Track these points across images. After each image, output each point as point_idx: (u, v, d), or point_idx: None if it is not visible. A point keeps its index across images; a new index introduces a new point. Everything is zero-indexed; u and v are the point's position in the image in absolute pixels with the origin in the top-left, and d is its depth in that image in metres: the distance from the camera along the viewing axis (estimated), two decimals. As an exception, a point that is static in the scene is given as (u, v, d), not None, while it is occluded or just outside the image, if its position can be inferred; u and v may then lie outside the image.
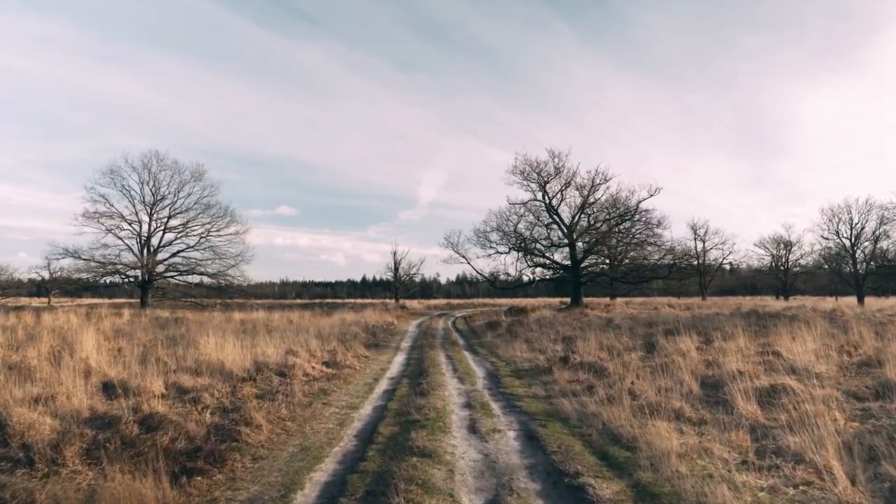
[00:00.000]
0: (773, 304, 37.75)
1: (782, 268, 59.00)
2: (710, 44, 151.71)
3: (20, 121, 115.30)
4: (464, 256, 35.83)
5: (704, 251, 55.38)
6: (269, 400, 6.49)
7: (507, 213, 34.85)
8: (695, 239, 54.37)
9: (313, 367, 9.72)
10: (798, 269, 58.18)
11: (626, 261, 35.82)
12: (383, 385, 8.58)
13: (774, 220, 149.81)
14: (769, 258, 59.69)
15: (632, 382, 8.25)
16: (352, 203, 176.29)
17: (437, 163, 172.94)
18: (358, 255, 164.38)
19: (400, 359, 12.09)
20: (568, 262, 34.65)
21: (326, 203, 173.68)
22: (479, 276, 37.17)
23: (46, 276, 45.58)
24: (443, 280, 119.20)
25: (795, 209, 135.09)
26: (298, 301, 68.01)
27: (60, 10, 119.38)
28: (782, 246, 59.04)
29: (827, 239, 47.90)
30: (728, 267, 53.35)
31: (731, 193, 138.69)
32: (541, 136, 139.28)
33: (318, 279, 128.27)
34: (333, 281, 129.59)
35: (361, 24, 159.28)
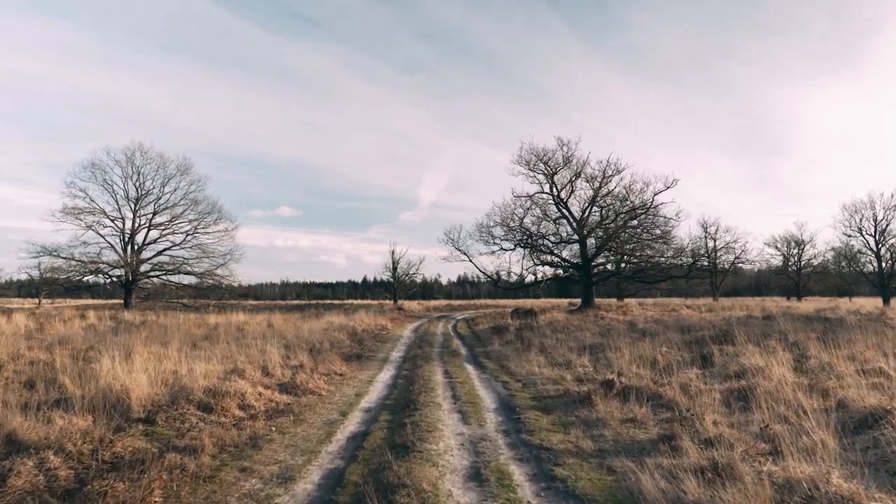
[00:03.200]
0: (798, 305, 34.97)
1: (794, 267, 56.37)
2: (710, 46, 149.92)
3: (24, 123, 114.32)
4: (465, 253, 33.03)
5: (715, 250, 52.57)
6: (137, 471, 3.80)
7: (513, 205, 32.09)
8: (705, 237, 51.57)
9: (259, 395, 7.05)
10: (810, 269, 55.58)
11: (634, 260, 32.98)
12: (351, 425, 5.90)
13: (774, 222, 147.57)
14: (780, 258, 57.18)
15: (714, 422, 5.60)
16: (353, 204, 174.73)
17: (439, 164, 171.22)
18: (359, 257, 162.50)
19: (385, 377, 9.42)
20: (577, 260, 31.93)
21: (327, 204, 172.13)
22: (481, 274, 34.35)
23: (37, 276, 43.23)
24: (444, 281, 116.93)
25: (796, 210, 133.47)
26: (295, 302, 65.37)
27: (66, 14, 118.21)
28: (793, 245, 56.47)
29: (849, 236, 45.17)
30: (731, 267, 50.23)
31: (732, 195, 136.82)
32: (542, 138, 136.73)
33: (318, 280, 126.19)
34: (334, 282, 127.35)
35: (365, 27, 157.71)
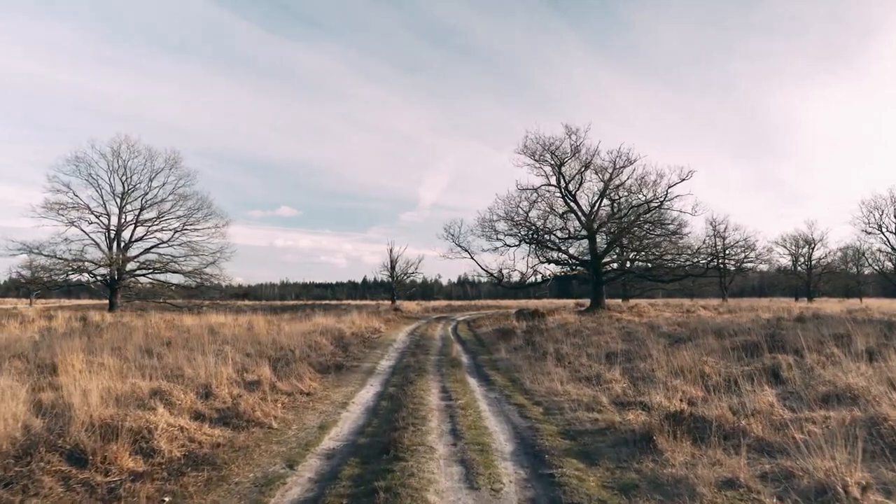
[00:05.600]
0: (820, 306, 32.81)
1: (803, 267, 54.33)
2: (711, 48, 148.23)
3: (24, 123, 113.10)
4: (466, 250, 30.70)
5: (724, 248, 50.40)
6: None
7: (517, 198, 29.87)
8: (714, 236, 49.42)
9: (180, 430, 4.99)
10: (819, 269, 53.56)
11: (641, 259, 30.79)
12: (296, 487, 3.84)
13: (776, 222, 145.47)
14: (788, 257, 55.20)
15: (860, 486, 3.56)
16: (353, 204, 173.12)
17: (440, 165, 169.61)
18: (359, 257, 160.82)
19: (366, 397, 7.36)
20: (586, 257, 29.82)
21: (327, 204, 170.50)
22: (483, 272, 31.95)
23: (28, 275, 41.35)
24: (444, 281, 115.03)
25: (797, 210, 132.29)
26: (291, 302, 63.31)
27: (66, 15, 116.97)
28: (803, 244, 54.41)
29: (869, 233, 43.08)
30: (740, 266, 47.90)
31: (734, 195, 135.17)
32: (545, 136, 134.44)
33: (318, 280, 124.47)
34: (334, 282, 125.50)
35: (366, 28, 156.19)
